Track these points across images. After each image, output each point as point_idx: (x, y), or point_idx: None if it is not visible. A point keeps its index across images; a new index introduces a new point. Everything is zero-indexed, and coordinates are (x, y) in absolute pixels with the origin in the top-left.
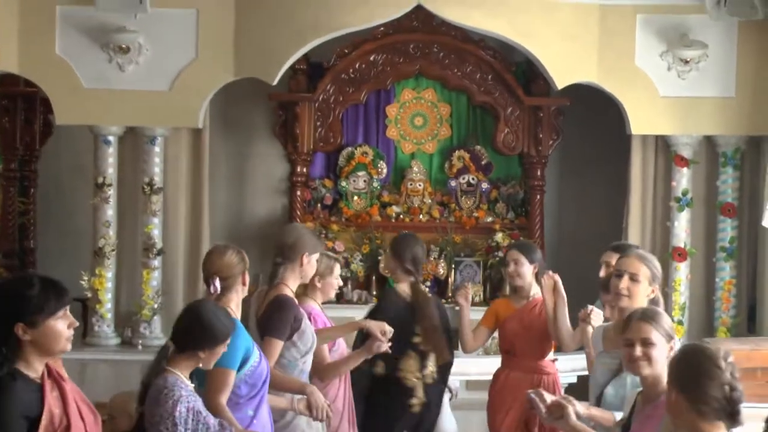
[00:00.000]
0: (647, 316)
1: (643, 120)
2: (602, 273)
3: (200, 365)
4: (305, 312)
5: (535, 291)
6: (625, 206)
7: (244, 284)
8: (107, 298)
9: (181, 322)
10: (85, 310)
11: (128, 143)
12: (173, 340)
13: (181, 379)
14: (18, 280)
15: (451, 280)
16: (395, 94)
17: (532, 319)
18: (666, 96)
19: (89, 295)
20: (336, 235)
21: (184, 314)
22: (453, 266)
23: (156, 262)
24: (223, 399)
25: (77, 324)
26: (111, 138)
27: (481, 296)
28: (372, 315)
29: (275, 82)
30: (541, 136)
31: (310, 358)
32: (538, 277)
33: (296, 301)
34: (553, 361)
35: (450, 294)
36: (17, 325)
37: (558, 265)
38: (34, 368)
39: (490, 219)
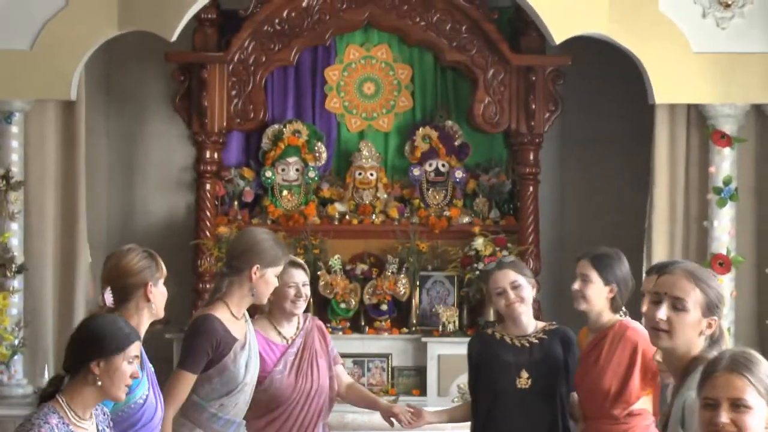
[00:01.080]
0: (739, 364)
1: (671, 85)
2: (644, 307)
3: (99, 384)
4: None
5: (607, 319)
6: (648, 200)
7: (148, 299)
8: None
9: (69, 339)
10: None
11: None
12: (64, 367)
13: (63, 414)
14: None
15: (415, 302)
16: (337, 52)
17: (589, 364)
18: (701, 52)
19: None
20: None
21: (74, 330)
22: (417, 284)
23: (16, 283)
24: None
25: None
26: None
27: (456, 324)
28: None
29: (174, 38)
30: (534, 107)
31: (233, 403)
32: (614, 303)
33: (225, 325)
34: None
35: (414, 323)
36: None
37: (558, 281)
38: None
39: (467, 219)
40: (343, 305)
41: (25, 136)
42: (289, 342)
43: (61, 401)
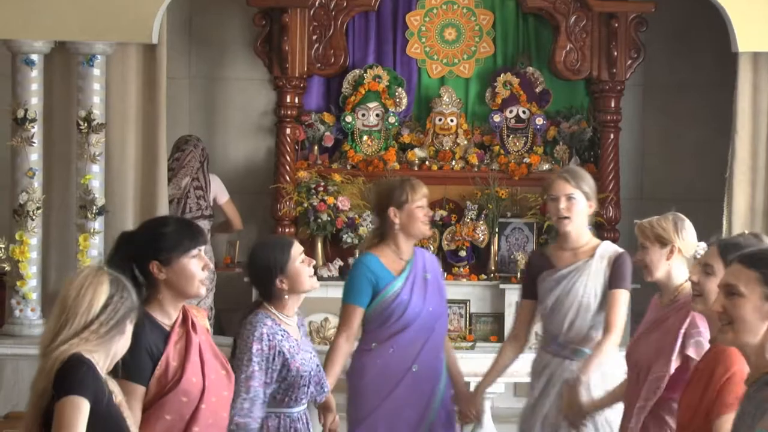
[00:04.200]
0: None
1: (755, 32)
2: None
3: (287, 296)
4: None
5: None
6: (730, 149)
7: None
8: (32, 272)
9: (249, 272)
10: (2, 289)
11: (58, 64)
12: (261, 295)
13: (274, 317)
14: (152, 220)
15: (494, 248)
16: None
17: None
18: None
19: (7, 268)
20: (339, 188)
21: (249, 265)
22: (496, 230)
23: (97, 224)
24: (342, 335)
25: (212, 266)
26: (35, 57)
27: None
28: None
29: None
30: (616, 54)
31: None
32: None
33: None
34: None
35: (492, 269)
36: (152, 263)
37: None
38: (168, 313)
39: (547, 166)
40: None
41: (107, 79)
42: None
43: (268, 307)
